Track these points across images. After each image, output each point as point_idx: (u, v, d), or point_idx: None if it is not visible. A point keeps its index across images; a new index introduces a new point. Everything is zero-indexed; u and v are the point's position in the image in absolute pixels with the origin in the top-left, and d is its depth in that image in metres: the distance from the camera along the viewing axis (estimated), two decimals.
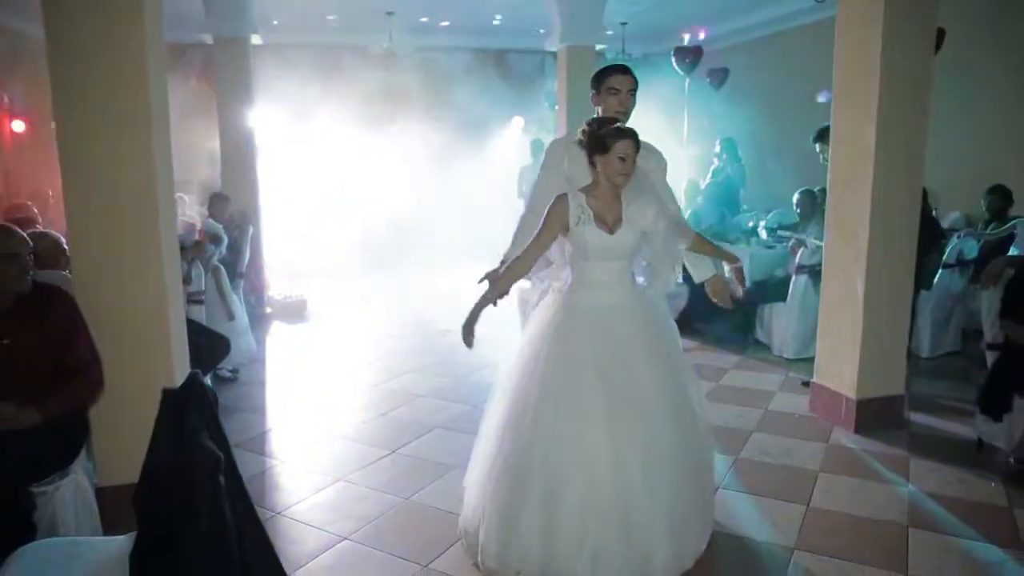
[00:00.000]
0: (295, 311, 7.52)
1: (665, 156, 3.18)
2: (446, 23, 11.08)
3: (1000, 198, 6.07)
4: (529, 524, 2.55)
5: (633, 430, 2.60)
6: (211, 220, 5.66)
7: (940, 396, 4.95)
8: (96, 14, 3.03)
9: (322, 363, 6.03)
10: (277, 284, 7.97)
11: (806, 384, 4.83)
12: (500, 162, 11.46)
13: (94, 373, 2.89)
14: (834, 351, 4.44)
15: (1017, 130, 7.08)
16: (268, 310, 7.60)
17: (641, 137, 2.75)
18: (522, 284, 3.05)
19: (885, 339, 4.27)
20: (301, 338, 6.89)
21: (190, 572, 1.90)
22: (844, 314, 4.34)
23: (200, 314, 4.96)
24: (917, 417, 4.54)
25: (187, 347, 3.56)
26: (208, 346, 4.63)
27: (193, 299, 4.91)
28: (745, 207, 8.30)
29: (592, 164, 2.75)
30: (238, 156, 7.58)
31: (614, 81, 2.93)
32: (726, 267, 3.08)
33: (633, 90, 2.95)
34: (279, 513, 3.41)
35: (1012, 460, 3.67)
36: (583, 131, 2.77)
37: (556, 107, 9.09)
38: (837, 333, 4.42)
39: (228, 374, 5.40)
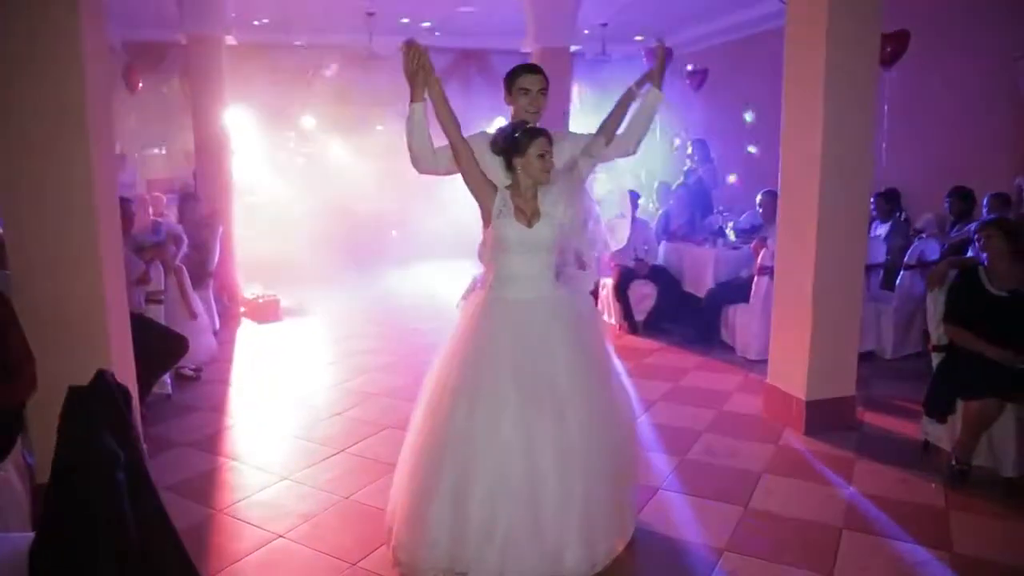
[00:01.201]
0: (268, 311, 7.52)
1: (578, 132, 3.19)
2: (427, 23, 11.10)
3: (960, 199, 6.12)
4: (438, 515, 2.58)
5: (546, 424, 2.62)
6: (170, 220, 5.67)
7: (898, 397, 4.97)
8: (30, 10, 3.04)
9: (287, 362, 6.05)
10: (251, 283, 7.98)
11: None
12: None
13: (26, 372, 2.89)
14: (785, 352, 4.47)
15: (987, 131, 7.12)
16: (242, 309, 7.61)
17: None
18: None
19: (834, 340, 4.29)
20: (271, 338, 6.90)
21: (87, 569, 1.91)
22: (795, 315, 4.37)
23: (159, 313, 4.98)
24: (870, 418, 4.57)
25: (130, 345, 3.58)
26: (165, 345, 4.66)
27: (152, 298, 4.93)
28: (720, 208, 8.33)
29: (511, 168, 2.79)
30: (211, 156, 7.60)
31: (524, 81, 2.96)
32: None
33: (544, 89, 2.97)
34: (220, 511, 3.43)
35: (953, 461, 3.69)
36: (495, 140, 2.82)
37: None
38: (788, 334, 4.44)
39: (191, 372, 5.41)
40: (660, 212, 7.52)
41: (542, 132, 2.76)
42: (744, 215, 8.04)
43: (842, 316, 4.30)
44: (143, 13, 9.88)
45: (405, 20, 10.81)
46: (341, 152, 11.63)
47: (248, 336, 6.95)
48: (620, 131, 3.07)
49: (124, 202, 4.68)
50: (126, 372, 3.49)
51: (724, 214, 8.07)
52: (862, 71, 4.08)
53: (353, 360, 5.99)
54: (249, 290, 7.77)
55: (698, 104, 10.63)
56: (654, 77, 3.08)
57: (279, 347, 6.57)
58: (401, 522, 2.72)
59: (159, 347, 4.59)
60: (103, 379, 2.14)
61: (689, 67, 10.61)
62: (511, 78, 2.99)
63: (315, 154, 11.97)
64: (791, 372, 4.40)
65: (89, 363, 3.22)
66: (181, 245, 5.41)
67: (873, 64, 4.12)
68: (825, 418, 4.30)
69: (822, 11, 3.95)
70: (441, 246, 10.39)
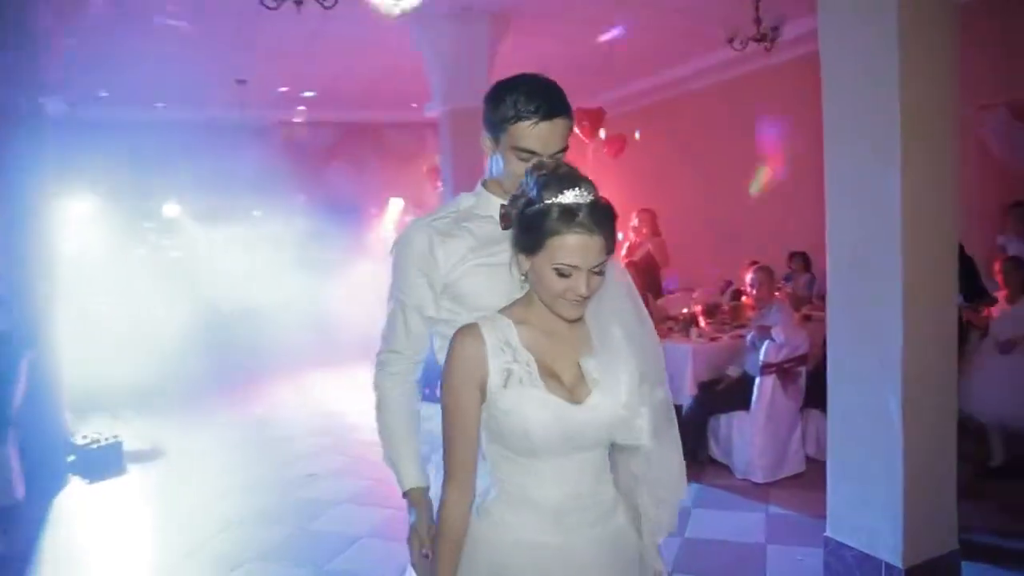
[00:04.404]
0: (105, 461, 5.54)
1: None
2: (309, 93, 9.70)
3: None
4: None
5: None
6: None
7: (988, 531, 3.68)
8: None
9: (123, 552, 4.15)
10: (84, 424, 6.03)
11: None
12: (378, 248, 10.02)
13: None
14: (859, 498, 3.12)
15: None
16: (70, 459, 5.61)
17: None
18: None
19: (933, 478, 3.01)
20: (104, 505, 4.91)
21: None
22: (870, 445, 3.05)
23: None
24: (972, 571, 3.25)
25: None
26: None
27: None
28: (672, 287, 7.20)
29: (523, 275, 1.41)
30: (25, 256, 5.72)
31: (528, 139, 1.55)
32: None
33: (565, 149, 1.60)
34: None
35: None
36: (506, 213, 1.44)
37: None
38: (859, 472, 3.12)
39: None
40: None
41: (590, 213, 1.34)
42: (696, 292, 6.94)
43: (939, 442, 3.04)
44: None
45: (283, 89, 9.38)
46: (209, 243, 9.91)
47: (71, 505, 4.92)
48: None
49: None
50: None
51: (677, 293, 6.93)
52: (942, 100, 2.97)
53: (227, 537, 4.17)
54: (80, 433, 5.79)
55: (614, 170, 9.67)
56: None
57: (114, 522, 4.60)
58: None
59: None
60: None
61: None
62: (500, 123, 1.57)
63: (181, 247, 10.19)
64: (873, 527, 3.06)
65: None
66: None
67: (954, 93, 3.02)
68: None
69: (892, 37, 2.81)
70: (334, 351, 8.76)
